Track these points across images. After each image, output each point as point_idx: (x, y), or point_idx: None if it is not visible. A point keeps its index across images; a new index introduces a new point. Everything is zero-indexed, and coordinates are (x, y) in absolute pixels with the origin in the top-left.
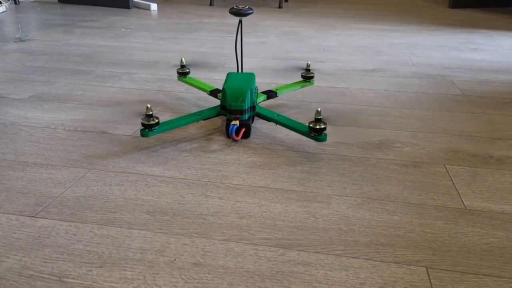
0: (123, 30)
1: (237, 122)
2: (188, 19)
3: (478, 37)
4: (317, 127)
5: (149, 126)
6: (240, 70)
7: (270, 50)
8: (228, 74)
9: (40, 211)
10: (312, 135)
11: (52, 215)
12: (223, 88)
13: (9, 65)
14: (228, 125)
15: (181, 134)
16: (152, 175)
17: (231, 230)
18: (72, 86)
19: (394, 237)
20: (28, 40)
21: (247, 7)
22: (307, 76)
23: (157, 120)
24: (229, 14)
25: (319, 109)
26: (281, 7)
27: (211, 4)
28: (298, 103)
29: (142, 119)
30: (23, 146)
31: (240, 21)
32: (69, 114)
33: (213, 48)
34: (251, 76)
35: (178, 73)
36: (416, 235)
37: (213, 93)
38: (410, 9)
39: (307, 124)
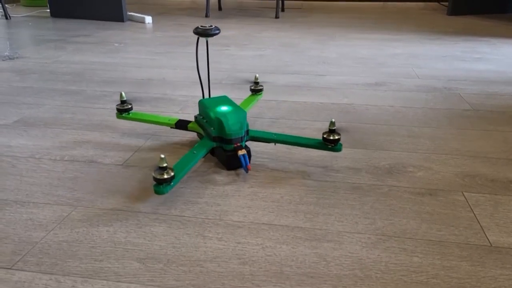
0: (116, 45)
1: (243, 151)
2: (183, 32)
3: (481, 45)
4: (332, 138)
5: (164, 181)
6: (208, 95)
7: (269, 63)
8: (203, 102)
9: (18, 262)
10: (329, 146)
11: (30, 266)
12: (212, 117)
13: None
14: (231, 157)
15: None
16: (144, 212)
17: (233, 280)
18: (61, 108)
19: (416, 284)
20: (17, 57)
21: (214, 26)
22: (256, 89)
23: (172, 174)
24: (224, 26)
25: (333, 120)
26: (278, 17)
27: (206, 16)
28: (298, 122)
29: (154, 172)
30: (4, 181)
31: (206, 42)
32: (56, 141)
33: (209, 62)
34: (228, 99)
35: (118, 110)
36: (441, 281)
37: (181, 125)
38: (408, 17)
39: (314, 138)
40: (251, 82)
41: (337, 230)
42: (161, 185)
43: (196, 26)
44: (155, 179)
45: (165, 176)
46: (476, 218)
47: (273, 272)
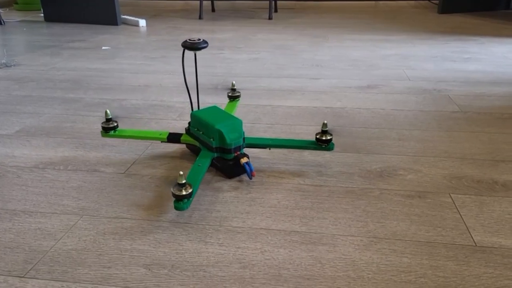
0: (104, 48)
1: (246, 159)
2: (178, 35)
3: (470, 45)
4: (324, 138)
5: (184, 197)
6: (197, 106)
7: (263, 67)
8: (197, 114)
9: (30, 270)
10: (323, 146)
11: (42, 274)
12: (211, 129)
13: None
14: (233, 165)
15: (176, 171)
16: (147, 220)
17: (234, 284)
18: (61, 117)
19: (405, 284)
20: (14, 65)
21: (201, 40)
22: (234, 96)
23: (191, 190)
24: (218, 28)
25: (325, 122)
26: (271, 18)
27: (200, 18)
28: (293, 127)
29: (173, 189)
30: (11, 191)
31: (194, 55)
32: (58, 151)
33: (204, 67)
34: (219, 109)
35: (104, 128)
36: (428, 280)
37: (173, 138)
38: (400, 16)
39: (308, 140)
40: (228, 89)
41: (331, 234)
42: (181, 201)
43: (188, 27)
44: (174, 195)
45: (184, 193)
46: (462, 219)
47: (271, 275)
